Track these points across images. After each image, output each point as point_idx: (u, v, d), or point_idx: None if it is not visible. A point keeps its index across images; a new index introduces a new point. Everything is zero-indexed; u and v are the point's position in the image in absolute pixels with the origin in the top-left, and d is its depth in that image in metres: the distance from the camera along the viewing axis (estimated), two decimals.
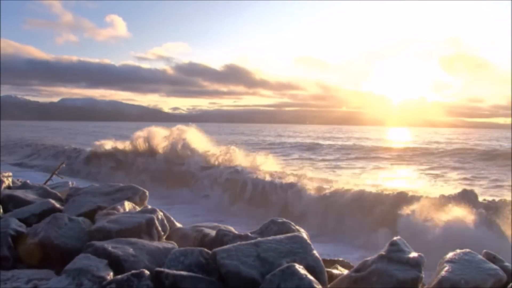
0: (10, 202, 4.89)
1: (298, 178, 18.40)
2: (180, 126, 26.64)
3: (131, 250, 3.21)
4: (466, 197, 12.90)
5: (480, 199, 13.57)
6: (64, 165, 13.55)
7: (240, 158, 23.02)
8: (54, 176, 10.37)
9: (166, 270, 2.80)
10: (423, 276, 2.89)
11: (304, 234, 3.44)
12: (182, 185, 21.77)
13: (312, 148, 47.42)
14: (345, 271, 3.48)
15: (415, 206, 12.79)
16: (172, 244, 3.60)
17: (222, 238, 3.69)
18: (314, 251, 3.11)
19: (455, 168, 29.46)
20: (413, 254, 2.98)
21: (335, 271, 3.54)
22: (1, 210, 4.55)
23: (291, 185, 17.62)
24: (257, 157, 22.79)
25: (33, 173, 26.57)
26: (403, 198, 14.11)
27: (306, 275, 2.64)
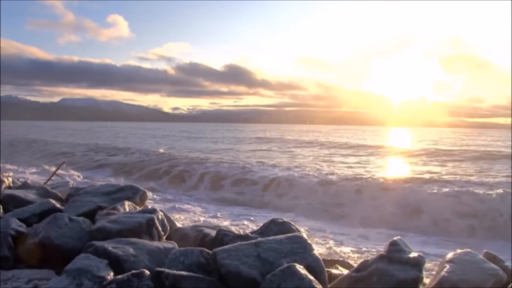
0: (10, 202, 4.89)
1: None
2: None
3: (131, 250, 3.21)
4: None
5: None
6: (64, 165, 13.54)
7: None
8: (54, 175, 10.38)
9: (167, 270, 2.80)
10: (423, 276, 2.89)
11: (304, 234, 3.44)
12: None
13: None
14: (345, 271, 3.48)
15: None
16: (172, 244, 3.60)
17: (222, 238, 3.68)
18: (314, 251, 3.11)
19: None
20: (413, 254, 2.98)
21: (335, 271, 3.54)
22: (2, 210, 4.56)
23: None
24: None
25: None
26: None
27: (306, 275, 2.64)
